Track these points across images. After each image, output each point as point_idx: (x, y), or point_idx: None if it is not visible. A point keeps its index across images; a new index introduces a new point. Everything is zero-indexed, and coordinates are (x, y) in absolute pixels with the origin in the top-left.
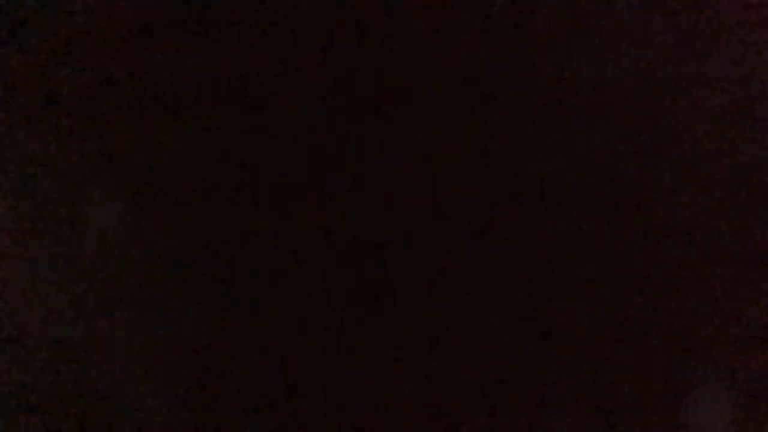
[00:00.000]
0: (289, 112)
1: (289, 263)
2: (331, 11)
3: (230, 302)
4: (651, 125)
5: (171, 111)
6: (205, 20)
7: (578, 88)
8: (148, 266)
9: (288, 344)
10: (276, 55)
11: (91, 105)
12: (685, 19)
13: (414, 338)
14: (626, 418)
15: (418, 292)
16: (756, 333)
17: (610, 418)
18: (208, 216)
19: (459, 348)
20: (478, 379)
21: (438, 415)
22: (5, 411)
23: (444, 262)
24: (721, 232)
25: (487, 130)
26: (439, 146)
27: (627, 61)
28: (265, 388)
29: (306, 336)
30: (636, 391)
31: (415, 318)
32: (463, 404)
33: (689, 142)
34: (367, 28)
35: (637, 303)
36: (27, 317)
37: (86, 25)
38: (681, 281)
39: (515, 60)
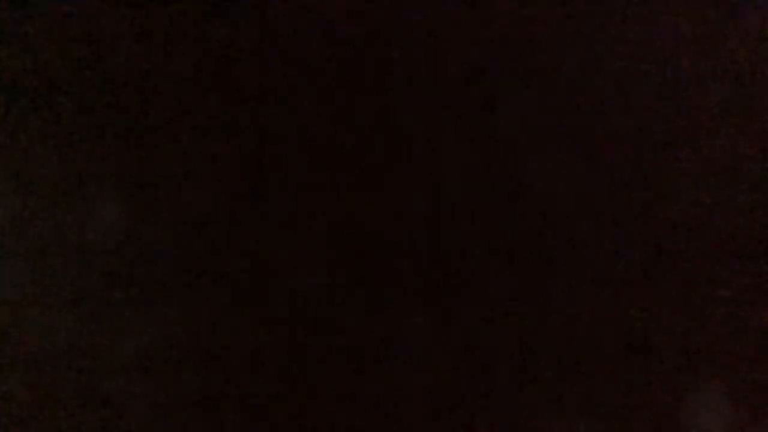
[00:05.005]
0: (289, 114)
1: (290, 263)
2: (332, 12)
3: (230, 302)
4: (652, 125)
5: (170, 111)
6: (205, 20)
7: (579, 88)
8: (147, 266)
9: (288, 344)
10: (276, 55)
11: (91, 105)
12: (685, 20)
13: (414, 338)
14: (627, 419)
15: (418, 292)
16: (756, 332)
17: (610, 419)
18: (207, 216)
19: (459, 348)
20: (478, 378)
21: (438, 415)
22: (5, 410)
23: (445, 261)
24: (721, 231)
25: (488, 131)
26: (440, 146)
27: (627, 61)
28: (265, 387)
29: (306, 336)
30: (636, 391)
31: (416, 317)
32: (463, 404)
33: (689, 141)
34: (368, 29)
35: (638, 303)
36: (26, 317)
37: (87, 27)
38: (682, 281)
39: (516, 61)
